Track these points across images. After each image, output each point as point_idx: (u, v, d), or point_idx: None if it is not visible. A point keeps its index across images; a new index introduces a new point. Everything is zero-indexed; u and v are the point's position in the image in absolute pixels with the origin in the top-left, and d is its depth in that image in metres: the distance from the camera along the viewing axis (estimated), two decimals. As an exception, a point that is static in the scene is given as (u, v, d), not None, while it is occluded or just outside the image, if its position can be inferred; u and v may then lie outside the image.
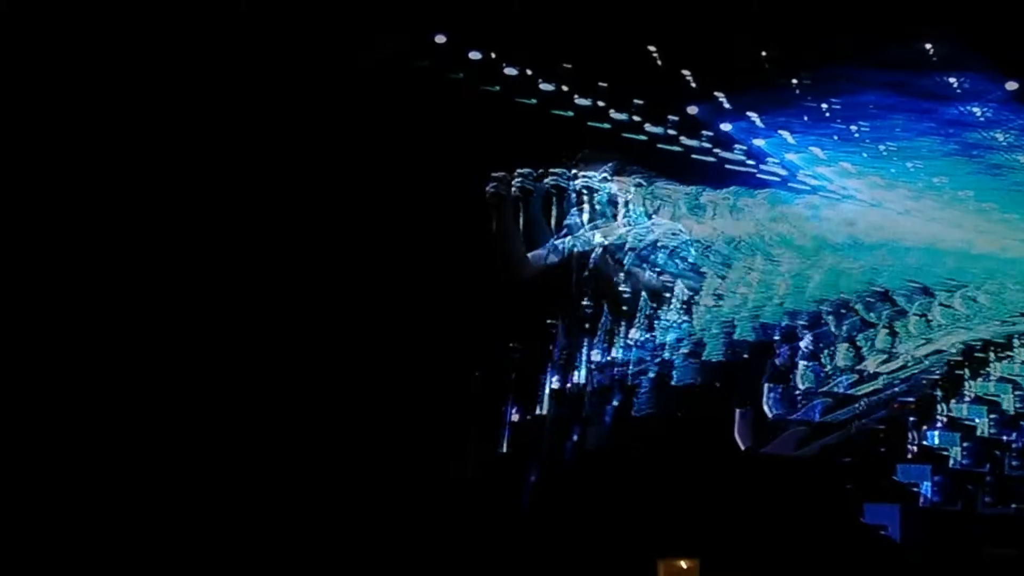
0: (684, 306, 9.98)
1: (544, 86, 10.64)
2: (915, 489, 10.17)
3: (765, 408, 10.92)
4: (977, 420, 10.61)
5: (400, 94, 11.75)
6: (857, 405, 9.99)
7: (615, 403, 10.16)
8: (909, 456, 10.32)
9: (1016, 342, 11.67)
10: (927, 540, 10.25)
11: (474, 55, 10.91)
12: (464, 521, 10.72)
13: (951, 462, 10.43)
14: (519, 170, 9.53)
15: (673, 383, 10.03)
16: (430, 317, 10.93)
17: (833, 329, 10.73)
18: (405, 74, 11.68)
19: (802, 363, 10.32)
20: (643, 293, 10.27)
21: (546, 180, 10.06)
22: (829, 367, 10.39)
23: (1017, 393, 10.96)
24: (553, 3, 11.25)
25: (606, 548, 10.18)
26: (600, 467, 10.42)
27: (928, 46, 10.96)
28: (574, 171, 10.05)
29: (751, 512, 10.15)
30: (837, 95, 10.77)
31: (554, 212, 10.10)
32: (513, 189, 9.96)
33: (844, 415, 9.80)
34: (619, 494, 10.17)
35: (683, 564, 10.43)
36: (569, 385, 10.20)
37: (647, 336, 10.20)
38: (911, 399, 10.14)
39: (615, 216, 10.29)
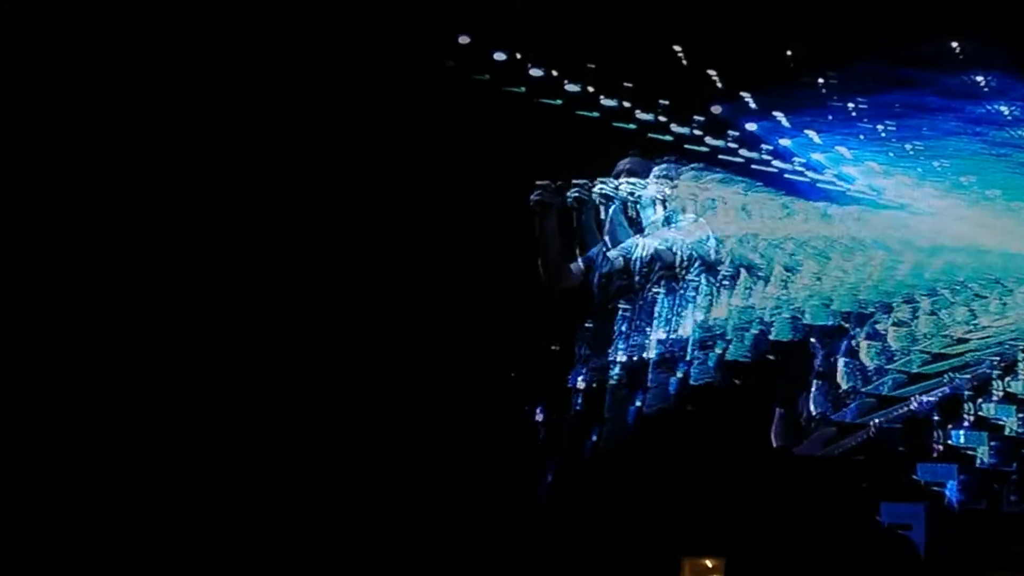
0: (704, 318, 10.06)
1: (569, 87, 10.75)
2: (940, 488, 10.20)
3: (811, 406, 10.95)
4: (1005, 419, 10.62)
5: (425, 94, 11.87)
6: (892, 409, 10.04)
7: (642, 402, 10.28)
8: (935, 455, 10.35)
9: None
10: (953, 539, 10.28)
11: (499, 56, 11.01)
12: (489, 517, 10.88)
13: (977, 461, 10.45)
14: (575, 180, 9.55)
15: (709, 381, 10.15)
16: (470, 318, 11.10)
17: (875, 329, 10.75)
18: (429, 74, 11.81)
19: (843, 361, 10.37)
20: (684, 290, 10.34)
21: (594, 190, 10.07)
22: (871, 367, 10.42)
23: None
24: (576, 3, 11.33)
25: (630, 546, 10.28)
26: (625, 465, 10.52)
27: (954, 44, 10.95)
28: (618, 178, 10.10)
29: (772, 511, 10.22)
30: (863, 94, 10.80)
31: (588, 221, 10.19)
32: (570, 200, 9.98)
33: (879, 416, 9.86)
34: (644, 492, 10.26)
35: (708, 563, 10.53)
36: (598, 383, 10.37)
37: (667, 343, 10.29)
38: (935, 398, 10.17)
39: (648, 230, 10.35)
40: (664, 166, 10.55)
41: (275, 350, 12.43)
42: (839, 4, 10.74)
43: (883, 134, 10.77)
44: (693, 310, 10.40)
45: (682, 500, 10.10)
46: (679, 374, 10.16)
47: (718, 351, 10.28)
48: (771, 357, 10.10)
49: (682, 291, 10.47)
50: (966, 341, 10.85)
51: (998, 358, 10.79)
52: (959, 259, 10.96)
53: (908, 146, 11.06)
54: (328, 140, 12.57)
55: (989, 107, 10.56)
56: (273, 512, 11.95)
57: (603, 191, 10.30)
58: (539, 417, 9.87)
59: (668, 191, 10.50)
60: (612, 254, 10.51)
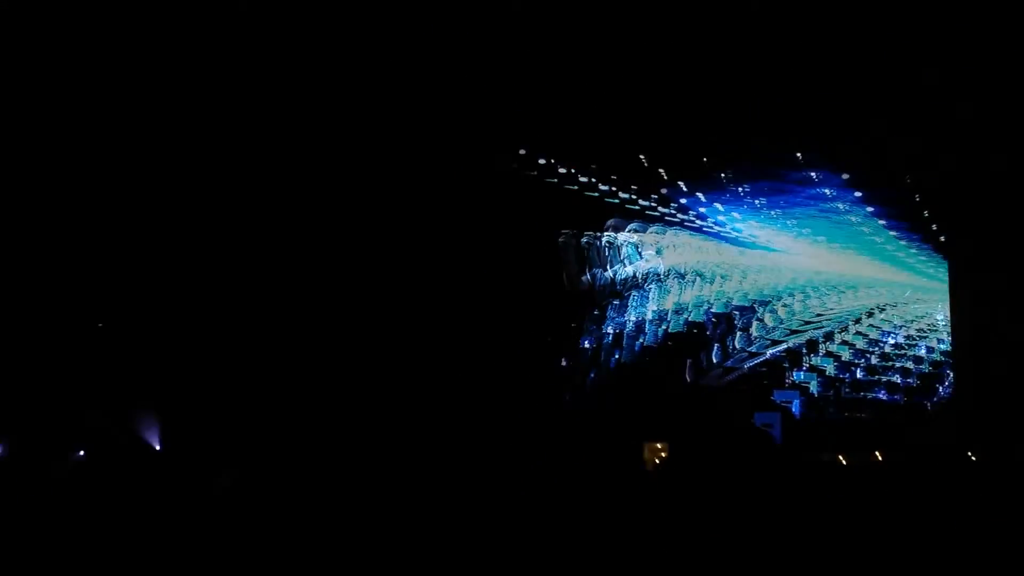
0: (657, 308, 17.96)
1: (581, 178, 18.54)
2: (788, 405, 17.90)
3: (712, 357, 18.75)
4: (825, 367, 18.26)
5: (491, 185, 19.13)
6: (756, 358, 17.84)
7: (620, 355, 18.11)
8: (785, 385, 18.01)
9: (864, 319, 19.28)
10: (796, 434, 17.99)
11: (542, 161, 18.76)
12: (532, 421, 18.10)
13: (810, 390, 18.16)
14: (582, 230, 17.37)
15: (648, 345, 18.03)
16: (530, 311, 18.34)
17: (746, 318, 18.56)
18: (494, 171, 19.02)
19: (720, 339, 18.22)
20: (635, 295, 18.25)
21: (597, 238, 17.85)
22: (736, 340, 18.27)
23: (851, 349, 18.64)
24: (584, 119, 18.89)
25: (613, 434, 17.82)
26: (610, 391, 18.26)
27: (799, 155, 18.60)
28: (606, 231, 17.96)
29: (693, 415, 17.93)
30: (747, 183, 18.38)
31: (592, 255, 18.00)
32: (583, 242, 17.88)
33: (744, 365, 17.65)
34: (622, 405, 18.00)
35: (659, 445, 18.11)
36: (597, 344, 18.20)
37: (636, 322, 18.19)
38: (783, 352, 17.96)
39: (625, 260, 18.18)
40: (634, 224, 18.46)
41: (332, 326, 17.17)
42: (731, 132, 18.42)
43: (758, 205, 18.42)
44: (649, 304, 18.28)
45: (643, 411, 17.83)
46: (641, 340, 18.00)
47: (663, 327, 18.08)
48: (691, 331, 17.85)
49: (644, 294, 18.34)
50: (805, 323, 18.51)
51: (821, 332, 18.42)
52: (801, 277, 18.56)
53: (773, 212, 18.67)
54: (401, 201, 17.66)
55: (818, 190, 18.19)
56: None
57: (600, 239, 18.22)
58: (563, 363, 17.71)
59: (636, 239, 18.38)
60: (606, 274, 18.44)
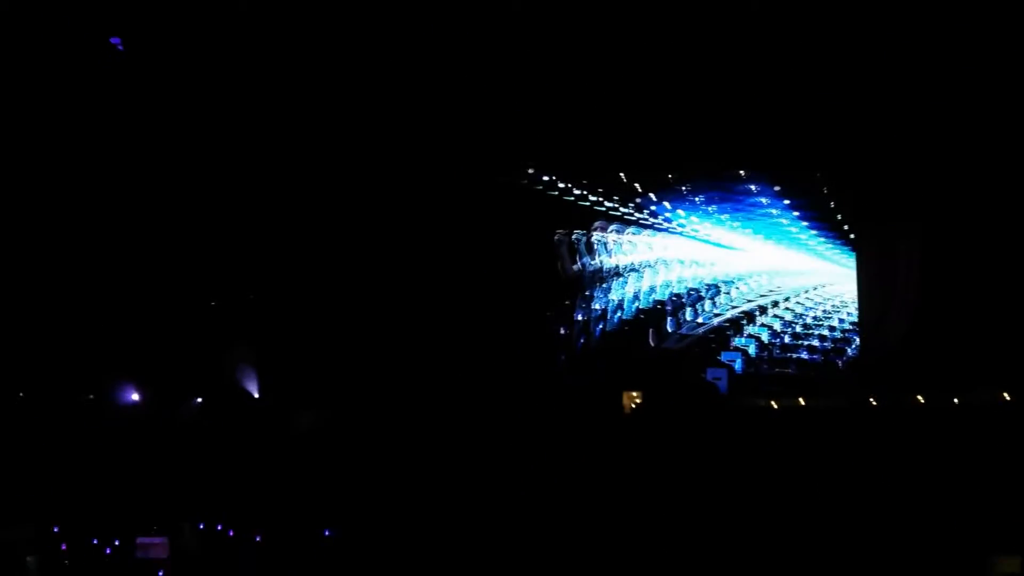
0: (632, 290, 22.79)
1: (575, 190, 23.31)
2: (732, 363, 22.79)
3: (667, 328, 23.59)
4: (761, 334, 23.16)
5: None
6: (703, 328, 22.74)
7: (604, 326, 22.99)
8: (731, 348, 22.89)
9: (791, 298, 23.83)
10: (737, 387, 22.66)
11: (545, 177, 23.39)
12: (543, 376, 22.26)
13: (749, 352, 23.07)
14: (574, 229, 21.98)
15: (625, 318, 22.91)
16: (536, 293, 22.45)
17: (699, 297, 23.52)
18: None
19: (679, 313, 23.09)
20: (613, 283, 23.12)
21: (586, 235, 22.49)
22: (692, 314, 23.14)
23: (781, 321, 23.49)
24: (576, 143, 23.43)
25: (603, 385, 22.19)
26: (598, 355, 22.98)
27: (741, 172, 23.38)
28: (593, 231, 22.65)
29: (659, 370, 22.76)
30: (701, 193, 23.12)
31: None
32: (574, 239, 22.65)
33: (697, 332, 22.52)
34: (607, 362, 22.71)
35: (634, 394, 22.60)
36: (587, 317, 23.03)
37: (617, 300, 23.11)
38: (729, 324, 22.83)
39: (607, 253, 22.95)
40: (615, 225, 23.38)
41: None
42: (691, 153, 23.16)
43: (711, 210, 23.16)
44: (626, 287, 23.30)
45: (625, 366, 22.48)
46: (620, 314, 22.97)
47: (635, 305, 23.06)
48: (657, 307, 22.67)
49: (622, 280, 23.35)
50: (747, 301, 23.37)
51: (757, 308, 23.26)
52: (743, 266, 23.39)
53: (722, 215, 23.40)
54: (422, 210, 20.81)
55: (756, 199, 22.95)
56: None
57: (588, 237, 23.18)
58: (562, 331, 22.60)
59: (616, 237, 23.34)
60: (593, 264, 23.40)
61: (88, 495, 19.54)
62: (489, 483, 18.85)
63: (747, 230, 23.20)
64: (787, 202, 22.34)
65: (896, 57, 16.76)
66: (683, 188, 22.84)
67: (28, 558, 16.39)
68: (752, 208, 22.91)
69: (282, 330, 20.09)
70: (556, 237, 22.28)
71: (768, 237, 23.57)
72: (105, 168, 17.35)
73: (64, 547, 18.31)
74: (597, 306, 22.47)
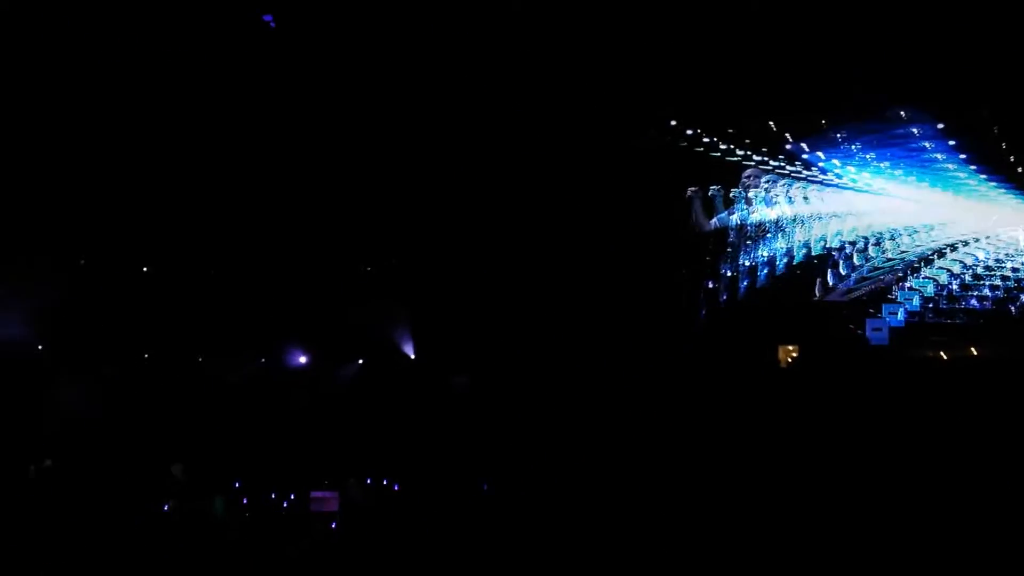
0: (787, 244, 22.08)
1: (722, 145, 22.82)
2: (893, 316, 21.80)
3: (830, 280, 22.77)
4: (921, 288, 21.97)
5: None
6: (867, 282, 21.83)
7: (750, 281, 22.38)
8: (894, 298, 21.89)
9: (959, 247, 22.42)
10: (896, 338, 21.76)
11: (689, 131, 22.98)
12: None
13: (908, 306, 21.98)
14: (722, 185, 21.54)
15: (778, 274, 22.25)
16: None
17: (856, 250, 22.53)
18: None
19: (842, 263, 22.16)
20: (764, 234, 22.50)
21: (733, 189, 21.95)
22: (849, 267, 22.17)
23: (948, 272, 22.18)
24: (725, 98, 22.92)
25: (745, 337, 21.62)
26: (743, 306, 22.36)
27: (902, 112, 22.19)
28: (743, 185, 22.07)
29: (820, 325, 21.99)
30: (856, 140, 22.06)
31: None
32: (709, 192, 22.27)
33: (855, 285, 21.60)
34: (753, 314, 22.07)
35: (790, 347, 22.13)
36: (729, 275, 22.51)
37: (767, 257, 22.49)
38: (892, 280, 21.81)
39: (760, 207, 22.35)
40: (767, 177, 22.70)
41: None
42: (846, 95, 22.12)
43: (867, 158, 22.04)
44: (773, 242, 22.63)
45: (778, 318, 21.89)
46: (767, 270, 22.34)
47: (786, 260, 22.35)
48: (813, 261, 21.88)
49: (767, 235, 22.69)
50: (910, 251, 22.24)
51: (922, 258, 22.09)
52: (905, 216, 22.18)
53: (881, 164, 22.24)
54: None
55: (918, 143, 21.72)
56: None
57: (737, 191, 22.63)
58: (710, 285, 22.23)
59: (767, 191, 22.68)
60: (735, 218, 22.82)
61: (264, 453, 20.79)
62: (640, 440, 18.90)
63: (909, 178, 22.01)
64: (952, 144, 21.10)
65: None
66: (837, 135, 21.92)
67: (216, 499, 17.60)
68: (914, 154, 21.77)
69: (434, 295, 20.55)
70: (702, 193, 21.90)
71: (933, 184, 22.29)
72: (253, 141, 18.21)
73: (245, 501, 19.54)
74: (745, 261, 21.98)
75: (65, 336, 21.04)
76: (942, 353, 20.49)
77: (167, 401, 20.97)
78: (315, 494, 19.06)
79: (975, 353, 20.24)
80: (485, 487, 18.54)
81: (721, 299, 21.67)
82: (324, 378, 22.33)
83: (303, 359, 22.48)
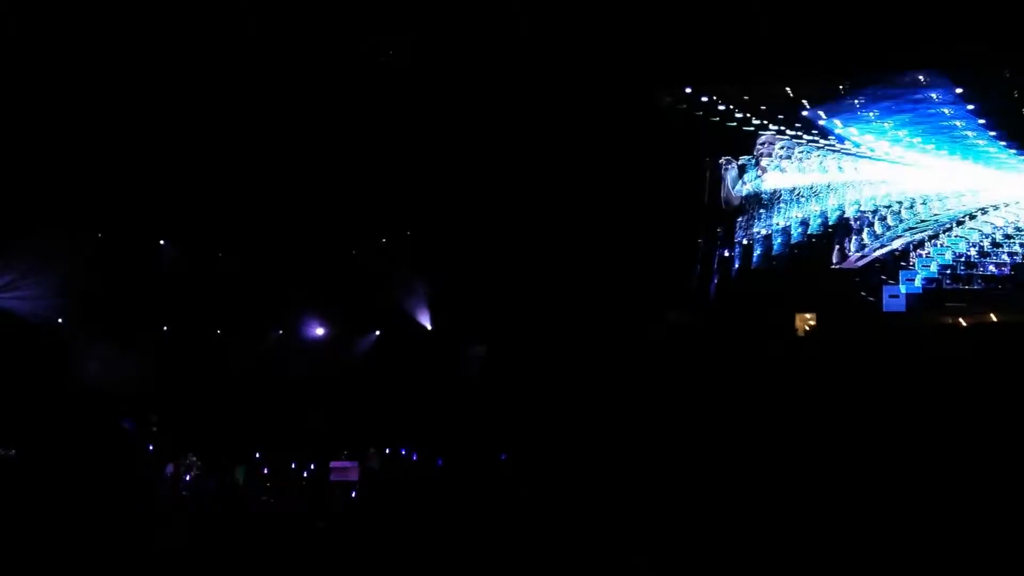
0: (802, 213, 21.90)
1: (736, 113, 22.60)
2: (910, 282, 21.62)
3: (847, 248, 22.58)
4: (944, 252, 21.81)
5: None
6: (883, 249, 21.65)
7: (764, 248, 22.23)
8: (910, 266, 21.68)
9: (977, 216, 22.26)
10: (915, 303, 21.62)
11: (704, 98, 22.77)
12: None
13: (926, 273, 21.79)
14: (737, 155, 21.37)
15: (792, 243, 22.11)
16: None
17: (873, 218, 22.37)
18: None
19: (852, 236, 21.95)
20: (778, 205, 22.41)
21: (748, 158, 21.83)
22: (867, 235, 22.00)
23: (966, 241, 22.00)
24: (738, 65, 22.80)
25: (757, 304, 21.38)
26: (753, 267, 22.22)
27: (920, 77, 21.92)
28: (758, 154, 21.88)
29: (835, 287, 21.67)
30: (874, 106, 21.75)
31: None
32: (722, 163, 22.07)
33: (872, 253, 21.43)
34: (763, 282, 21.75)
35: (807, 315, 21.97)
36: (739, 246, 22.44)
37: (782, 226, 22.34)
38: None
39: (772, 175, 22.15)
40: (782, 143, 22.49)
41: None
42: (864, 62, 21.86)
43: (885, 125, 21.80)
44: (788, 211, 22.47)
45: (794, 289, 21.65)
46: (782, 237, 22.19)
47: (800, 228, 22.20)
48: (828, 230, 21.69)
49: (780, 205, 22.52)
50: (928, 220, 22.02)
51: (940, 226, 21.89)
52: (924, 185, 21.89)
53: (900, 132, 21.98)
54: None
55: (937, 109, 21.41)
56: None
57: (751, 159, 22.43)
58: (726, 253, 22.10)
59: (782, 159, 22.48)
60: (756, 187, 22.63)
61: (284, 424, 20.98)
62: (654, 409, 18.92)
63: (928, 146, 21.80)
64: (971, 109, 20.90)
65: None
66: (855, 101, 21.70)
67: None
68: (932, 120, 21.51)
69: (450, 266, 20.72)
70: (716, 162, 21.76)
71: (952, 152, 22.06)
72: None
73: (266, 471, 19.75)
74: (761, 229, 21.86)
75: (85, 309, 21.19)
76: (960, 320, 20.38)
77: (186, 373, 21.09)
78: (335, 464, 19.28)
79: (994, 319, 20.09)
80: (503, 456, 18.67)
81: (734, 268, 21.61)
82: (341, 350, 22.47)
83: (321, 331, 22.64)
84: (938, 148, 21.52)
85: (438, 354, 21.28)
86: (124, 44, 15.89)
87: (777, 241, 21.87)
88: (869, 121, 22.08)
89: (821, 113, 22.21)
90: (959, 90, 20.76)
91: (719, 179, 22.17)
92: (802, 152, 22.19)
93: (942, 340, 20.05)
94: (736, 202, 22.07)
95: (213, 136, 17.85)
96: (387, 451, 20.14)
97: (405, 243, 21.64)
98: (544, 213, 20.89)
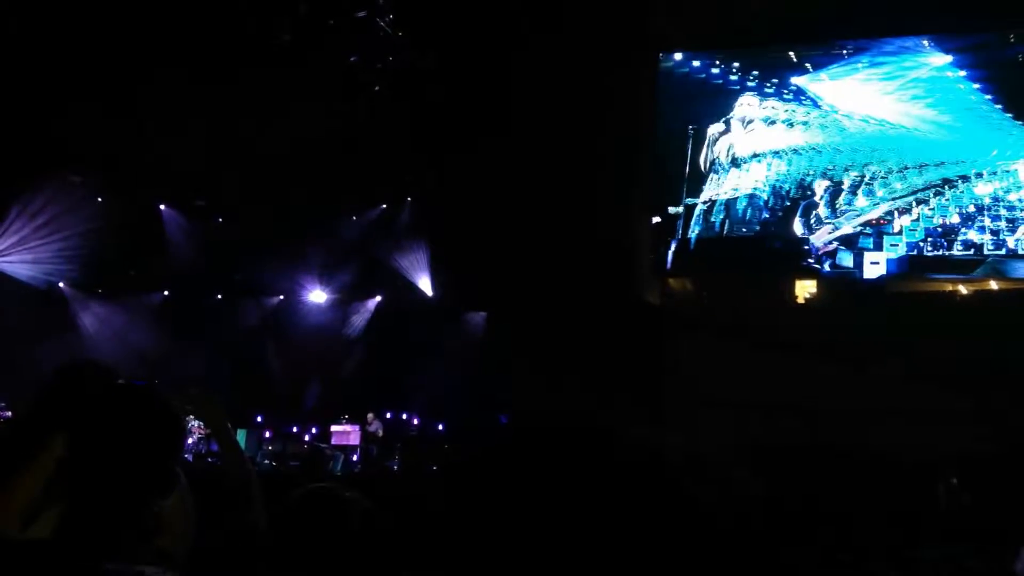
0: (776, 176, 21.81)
1: (713, 70, 22.52)
2: (896, 246, 21.69)
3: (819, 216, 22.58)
4: (934, 216, 21.88)
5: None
6: (859, 215, 21.67)
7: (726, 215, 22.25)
8: (894, 231, 21.73)
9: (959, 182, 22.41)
10: (898, 267, 21.74)
11: (696, 62, 22.85)
12: None
13: (917, 236, 21.92)
14: (717, 117, 21.62)
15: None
16: None
17: (856, 183, 22.44)
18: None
19: (830, 202, 21.91)
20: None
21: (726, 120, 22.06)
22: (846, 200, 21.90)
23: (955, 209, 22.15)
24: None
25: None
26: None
27: (925, 42, 21.83)
28: (733, 117, 21.92)
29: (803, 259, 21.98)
30: (869, 67, 21.51)
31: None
32: (711, 125, 22.18)
33: (850, 219, 21.48)
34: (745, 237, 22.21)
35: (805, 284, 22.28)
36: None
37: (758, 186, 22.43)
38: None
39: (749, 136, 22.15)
40: (763, 104, 22.12)
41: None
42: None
43: (879, 90, 21.63)
44: (771, 171, 22.26)
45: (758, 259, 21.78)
46: (754, 203, 22.07)
47: (781, 193, 22.18)
48: (807, 194, 21.61)
49: (764, 167, 22.33)
50: (912, 184, 22.19)
51: (926, 191, 22.04)
52: (911, 150, 22.00)
53: (891, 93, 21.81)
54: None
55: (933, 70, 21.26)
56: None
57: (728, 121, 22.24)
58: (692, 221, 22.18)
59: (762, 121, 22.30)
60: (731, 152, 22.57)
61: (283, 388, 21.13)
62: (654, 369, 19.17)
63: (925, 110, 21.57)
64: (968, 72, 20.98)
65: None
66: (843, 50, 21.59)
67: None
68: (927, 82, 21.47)
69: (451, 230, 20.68)
70: (689, 128, 21.72)
71: (946, 111, 21.82)
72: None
73: (269, 435, 19.94)
74: (735, 192, 21.78)
75: (84, 271, 21.02)
76: (944, 285, 20.68)
77: (185, 337, 21.14)
78: (336, 428, 19.51)
79: (976, 287, 20.40)
80: (503, 420, 18.84)
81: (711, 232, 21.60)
82: (341, 314, 22.57)
83: (320, 296, 22.66)
84: (933, 106, 21.25)
85: (439, 319, 21.28)
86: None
87: (752, 205, 21.78)
88: (860, 82, 21.95)
89: (808, 66, 22.12)
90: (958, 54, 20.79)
91: (700, 143, 22.10)
92: (782, 114, 22.12)
93: (923, 307, 20.42)
94: (715, 166, 22.01)
95: (209, 96, 17.38)
96: (388, 415, 20.32)
97: (405, 207, 21.54)
98: (547, 177, 20.36)
